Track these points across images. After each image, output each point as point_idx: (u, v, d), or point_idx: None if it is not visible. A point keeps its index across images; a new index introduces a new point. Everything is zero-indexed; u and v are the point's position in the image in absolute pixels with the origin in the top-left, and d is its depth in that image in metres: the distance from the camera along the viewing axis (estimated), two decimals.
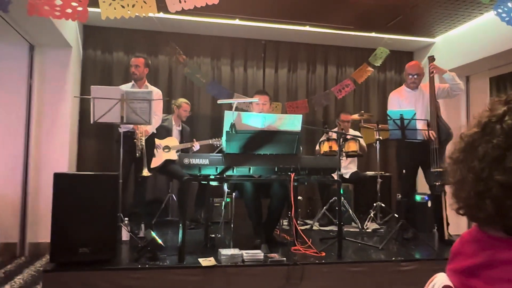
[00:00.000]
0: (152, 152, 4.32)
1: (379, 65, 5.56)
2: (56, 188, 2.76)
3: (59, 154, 4.61)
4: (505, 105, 0.84)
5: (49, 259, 2.75)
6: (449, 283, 0.91)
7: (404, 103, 4.09)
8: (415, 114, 3.70)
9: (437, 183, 3.68)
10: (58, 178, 2.79)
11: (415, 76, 4.07)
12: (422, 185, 4.18)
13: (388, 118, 3.78)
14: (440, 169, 3.60)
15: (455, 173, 0.89)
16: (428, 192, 4.47)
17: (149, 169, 3.97)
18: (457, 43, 5.34)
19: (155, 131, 4.30)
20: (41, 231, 4.40)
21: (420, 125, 3.80)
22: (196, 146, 4.86)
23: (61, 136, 4.64)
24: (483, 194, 0.82)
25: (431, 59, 4.08)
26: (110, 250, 2.86)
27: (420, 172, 4.16)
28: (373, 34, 5.60)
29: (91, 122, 3.51)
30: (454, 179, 0.90)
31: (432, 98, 3.94)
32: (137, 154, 3.85)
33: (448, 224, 3.94)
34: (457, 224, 4.33)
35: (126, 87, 4.03)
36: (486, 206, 0.81)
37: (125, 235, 3.59)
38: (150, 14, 3.34)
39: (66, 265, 2.73)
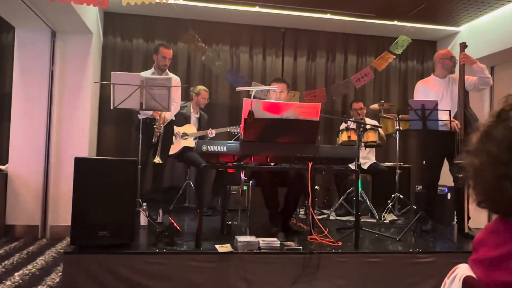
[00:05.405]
0: (171, 139, 4.35)
1: (400, 53, 5.44)
2: (77, 172, 2.80)
3: (80, 139, 4.69)
4: None
5: (70, 241, 2.81)
6: (472, 274, 0.89)
7: (431, 92, 3.97)
8: (437, 104, 3.61)
9: (460, 175, 3.59)
10: (79, 162, 2.84)
11: (453, 60, 3.97)
12: (441, 177, 4.09)
13: (409, 107, 3.70)
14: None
15: (474, 163, 0.89)
16: (447, 184, 4.39)
17: (163, 157, 3.98)
18: (482, 32, 5.19)
19: (173, 118, 4.32)
20: (62, 214, 4.51)
21: (443, 115, 3.68)
22: (212, 133, 4.87)
23: (82, 122, 4.71)
24: (503, 177, 0.83)
25: (463, 46, 3.90)
26: (129, 234, 2.90)
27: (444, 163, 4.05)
28: (395, 23, 5.48)
29: (111, 107, 3.54)
30: (473, 168, 0.89)
31: (461, 87, 3.81)
32: (154, 140, 3.88)
33: (469, 218, 3.86)
34: (477, 219, 4.25)
35: (146, 74, 4.06)
36: (507, 188, 0.82)
37: (143, 220, 3.64)
38: (170, 1, 3.34)
39: (86, 247, 2.79)
